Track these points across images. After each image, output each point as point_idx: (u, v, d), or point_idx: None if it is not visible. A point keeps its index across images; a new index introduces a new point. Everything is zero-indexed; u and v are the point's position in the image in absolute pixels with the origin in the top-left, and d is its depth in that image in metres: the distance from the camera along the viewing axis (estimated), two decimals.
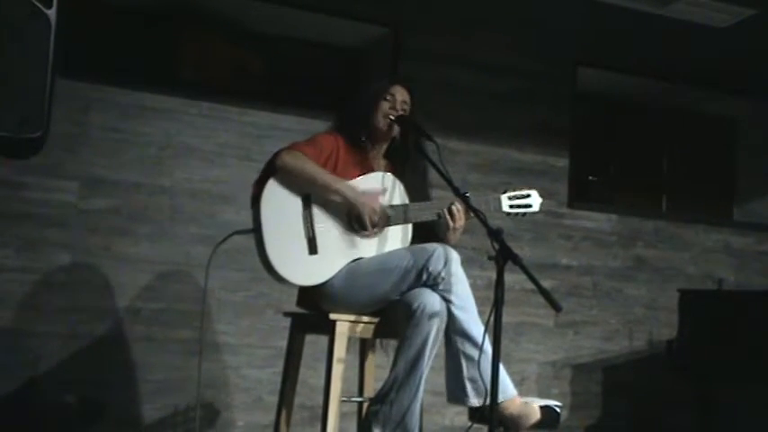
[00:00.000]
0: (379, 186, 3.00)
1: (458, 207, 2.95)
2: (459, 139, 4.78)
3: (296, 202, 2.89)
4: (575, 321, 5.05)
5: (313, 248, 2.87)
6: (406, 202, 3.03)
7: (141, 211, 4.12)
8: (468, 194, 2.83)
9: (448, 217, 2.94)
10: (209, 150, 4.27)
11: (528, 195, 3.12)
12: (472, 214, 2.83)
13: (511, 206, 3.08)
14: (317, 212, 2.90)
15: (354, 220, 2.91)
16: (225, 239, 3.17)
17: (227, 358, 4.21)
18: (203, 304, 3.83)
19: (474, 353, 2.72)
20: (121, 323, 4.04)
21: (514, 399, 2.75)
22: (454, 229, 2.96)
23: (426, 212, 2.98)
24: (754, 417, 4.49)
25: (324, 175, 2.88)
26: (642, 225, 5.34)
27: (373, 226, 2.89)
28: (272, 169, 2.89)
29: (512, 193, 3.10)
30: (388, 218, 2.94)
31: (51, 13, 2.25)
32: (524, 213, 3.11)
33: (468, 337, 2.76)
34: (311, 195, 2.90)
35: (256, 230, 2.86)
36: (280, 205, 2.87)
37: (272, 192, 2.87)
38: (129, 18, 4.53)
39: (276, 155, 2.90)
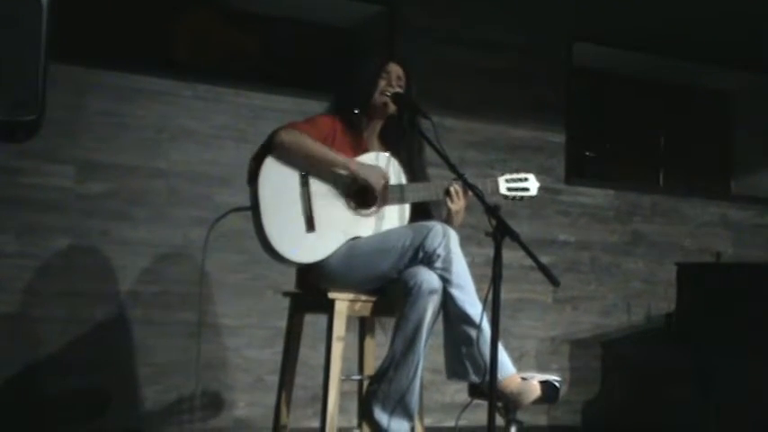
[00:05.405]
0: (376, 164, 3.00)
1: (456, 188, 2.95)
2: (455, 117, 4.76)
3: (294, 180, 2.89)
4: (573, 297, 5.07)
5: (311, 226, 2.86)
6: (403, 181, 3.02)
7: (138, 194, 4.11)
8: (464, 175, 2.80)
9: (446, 199, 2.95)
10: (206, 132, 4.26)
11: (525, 179, 3.11)
12: (471, 194, 2.83)
13: (508, 188, 3.08)
14: (315, 190, 2.90)
15: (358, 193, 2.91)
16: (222, 216, 3.17)
17: (227, 339, 4.22)
18: (201, 285, 3.83)
19: (472, 332, 2.72)
20: (121, 306, 4.04)
21: (514, 376, 2.73)
22: (456, 212, 2.96)
23: (423, 193, 2.98)
24: (753, 389, 4.50)
25: (324, 151, 2.89)
26: (639, 200, 5.34)
27: (385, 190, 2.88)
28: (270, 146, 2.89)
29: (509, 176, 3.10)
30: (387, 194, 2.94)
31: None
32: (522, 197, 3.12)
33: (465, 316, 2.75)
34: (309, 173, 2.90)
35: (254, 208, 2.86)
36: (278, 183, 2.87)
37: (270, 169, 2.87)
38: (123, 0, 4.50)
39: (274, 133, 2.90)
